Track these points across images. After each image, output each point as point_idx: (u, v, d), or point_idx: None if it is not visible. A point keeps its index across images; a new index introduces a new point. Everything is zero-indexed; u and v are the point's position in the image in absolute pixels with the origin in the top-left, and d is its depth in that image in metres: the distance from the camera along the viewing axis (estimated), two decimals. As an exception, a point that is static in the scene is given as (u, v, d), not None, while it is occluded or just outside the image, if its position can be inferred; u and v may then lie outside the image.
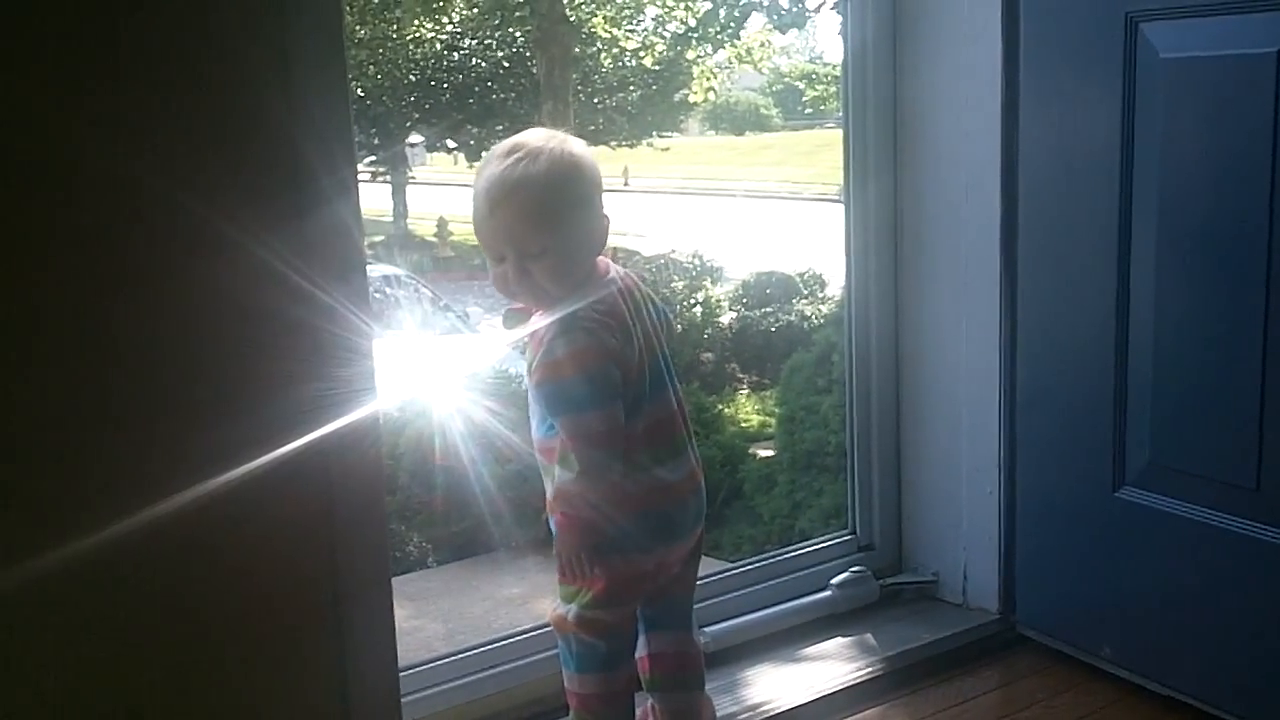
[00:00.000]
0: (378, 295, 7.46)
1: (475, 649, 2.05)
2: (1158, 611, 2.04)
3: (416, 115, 11.02)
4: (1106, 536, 2.10)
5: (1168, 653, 2.04)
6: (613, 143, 13.22)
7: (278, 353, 1.42)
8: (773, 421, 6.11)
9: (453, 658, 2.04)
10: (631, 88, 12.75)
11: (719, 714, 2.01)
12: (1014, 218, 2.19)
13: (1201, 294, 1.93)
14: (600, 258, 1.79)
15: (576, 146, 1.74)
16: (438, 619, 3.61)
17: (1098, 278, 2.05)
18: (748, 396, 8.14)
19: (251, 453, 1.40)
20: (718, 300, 8.96)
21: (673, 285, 8.83)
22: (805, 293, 9.10)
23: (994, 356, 2.25)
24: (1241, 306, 1.85)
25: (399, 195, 11.03)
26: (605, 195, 1.79)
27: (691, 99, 13.11)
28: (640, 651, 1.93)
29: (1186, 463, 1.97)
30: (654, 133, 13.66)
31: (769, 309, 8.80)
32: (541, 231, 1.70)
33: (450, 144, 11.79)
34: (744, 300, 9.07)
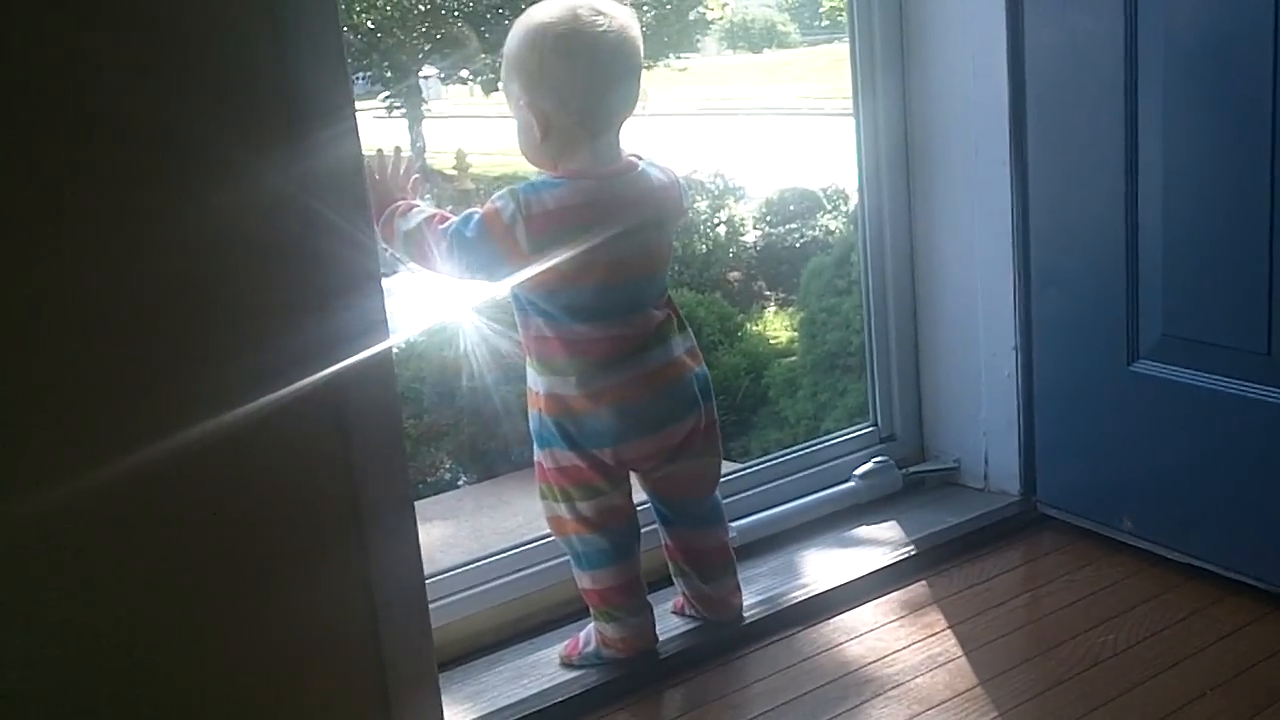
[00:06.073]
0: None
1: (501, 553, 2.08)
2: (1176, 481, 2.06)
3: (428, 46, 10.95)
4: (1123, 411, 2.11)
5: (1187, 521, 2.06)
6: (630, 66, 13.04)
7: (287, 284, 1.43)
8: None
9: (480, 562, 2.06)
10: (646, 8, 12.61)
11: (747, 602, 2.04)
12: (1021, 99, 2.18)
13: (1209, 161, 1.92)
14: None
15: None
16: (473, 535, 3.67)
17: (1106, 152, 2.04)
18: (775, 313, 8.11)
19: (264, 387, 1.42)
20: (741, 219, 8.89)
21: (696, 206, 8.77)
22: (829, 207, 8.99)
23: (1006, 240, 2.25)
24: (1249, 172, 1.84)
25: (416, 129, 10.99)
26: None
27: (708, 16, 12.93)
28: (662, 540, 1.98)
29: (1199, 332, 1.98)
30: (671, 54, 13.50)
31: (793, 225, 8.72)
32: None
33: (465, 75, 11.71)
34: (768, 218, 8.99)
